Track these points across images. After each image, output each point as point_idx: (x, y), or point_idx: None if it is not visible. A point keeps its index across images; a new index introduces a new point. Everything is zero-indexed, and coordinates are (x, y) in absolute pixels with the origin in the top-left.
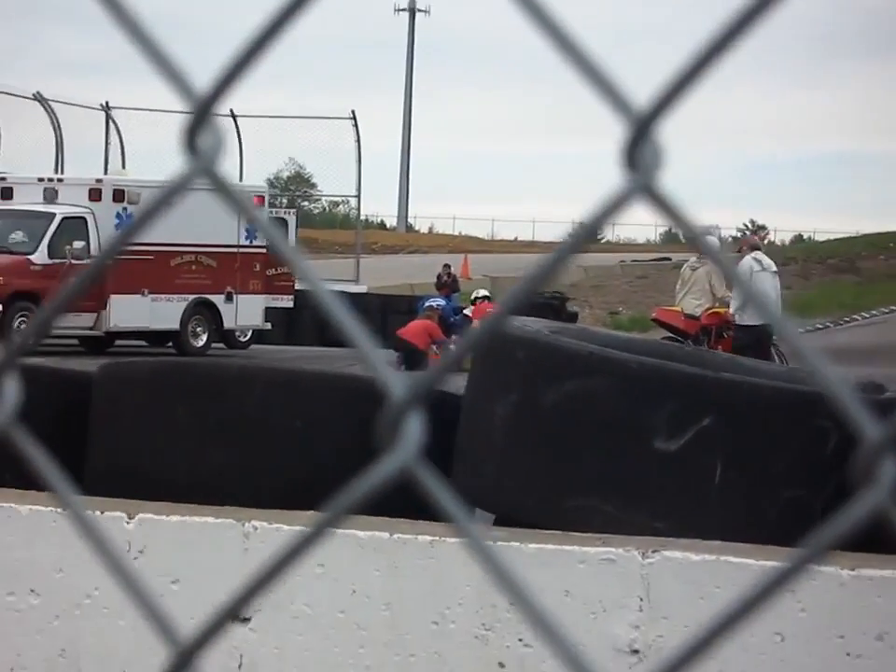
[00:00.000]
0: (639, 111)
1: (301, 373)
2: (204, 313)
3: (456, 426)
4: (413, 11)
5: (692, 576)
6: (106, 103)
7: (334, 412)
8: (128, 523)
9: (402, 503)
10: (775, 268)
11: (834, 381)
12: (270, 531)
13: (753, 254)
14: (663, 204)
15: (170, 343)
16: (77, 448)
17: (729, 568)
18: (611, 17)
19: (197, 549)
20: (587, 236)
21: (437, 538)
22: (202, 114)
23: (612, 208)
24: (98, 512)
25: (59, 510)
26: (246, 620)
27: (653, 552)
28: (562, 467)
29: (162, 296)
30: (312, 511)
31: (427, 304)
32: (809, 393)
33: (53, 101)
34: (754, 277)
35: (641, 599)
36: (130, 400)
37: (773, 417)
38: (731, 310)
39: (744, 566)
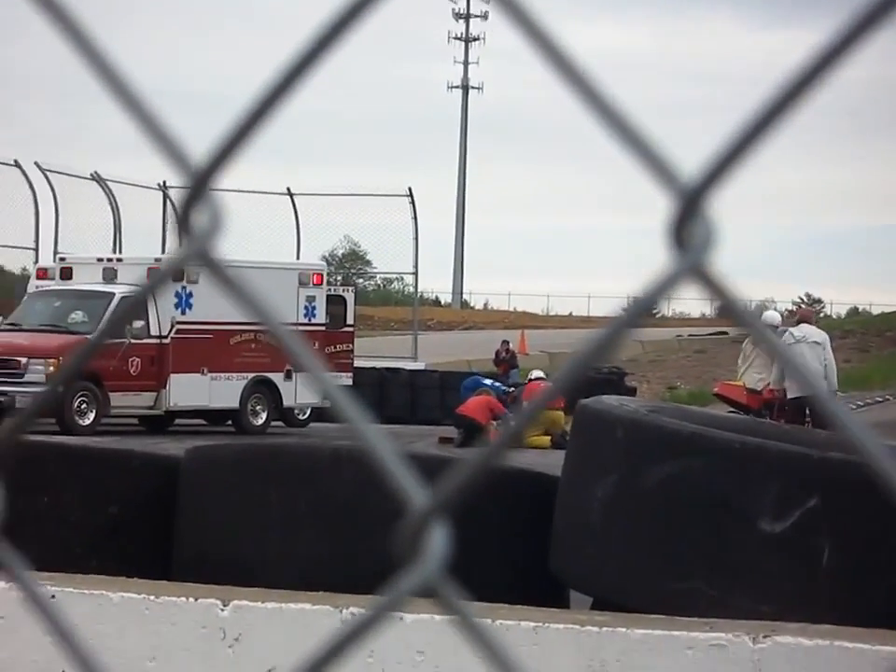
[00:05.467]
0: (688, 184)
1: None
2: (264, 391)
3: (553, 507)
4: (465, 88)
5: (805, 661)
6: (164, 182)
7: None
8: (222, 610)
9: None
10: (816, 338)
11: (876, 450)
12: None
13: (795, 328)
14: (712, 286)
15: (229, 422)
16: (166, 533)
17: (842, 654)
18: (658, 94)
19: (293, 636)
20: (638, 313)
21: (541, 623)
22: (197, 189)
23: (661, 289)
24: (191, 599)
25: (151, 596)
26: None
27: (764, 637)
28: (663, 549)
29: (222, 374)
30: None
31: (480, 383)
32: None
33: (111, 181)
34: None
35: None
36: (219, 485)
37: (881, 497)
38: (771, 383)
39: (858, 651)
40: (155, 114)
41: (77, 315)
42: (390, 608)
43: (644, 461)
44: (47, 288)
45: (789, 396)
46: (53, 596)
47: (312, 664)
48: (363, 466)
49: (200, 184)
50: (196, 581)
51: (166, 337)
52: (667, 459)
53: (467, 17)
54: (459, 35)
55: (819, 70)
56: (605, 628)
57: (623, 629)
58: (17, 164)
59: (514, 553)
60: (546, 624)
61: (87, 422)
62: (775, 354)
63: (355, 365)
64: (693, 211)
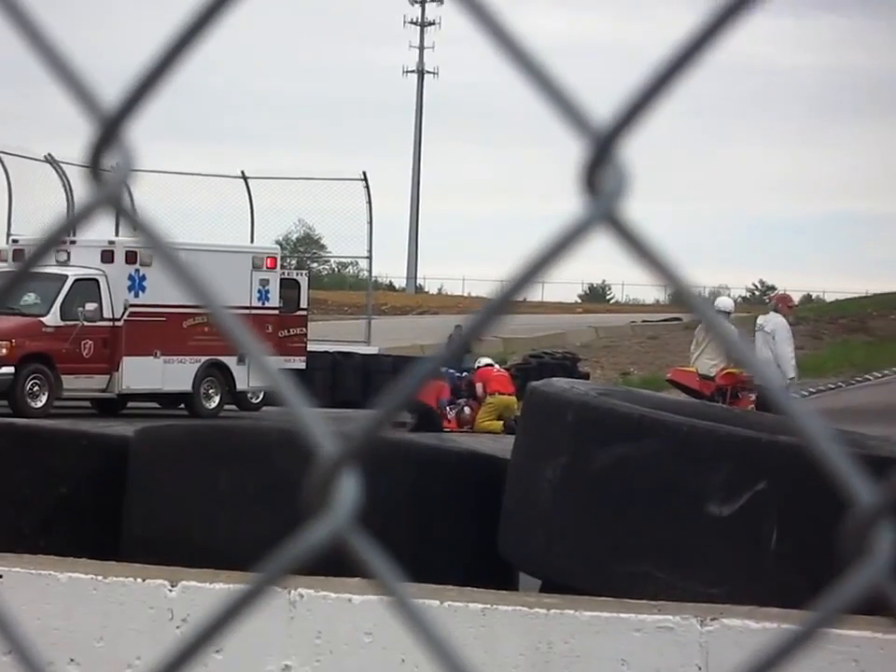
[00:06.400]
0: (600, 128)
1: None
2: (217, 375)
3: (503, 489)
4: (421, 73)
5: (752, 644)
6: (117, 164)
7: (380, 474)
8: (170, 590)
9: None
10: (768, 327)
11: (821, 435)
12: (316, 599)
13: (762, 316)
14: (627, 235)
15: (182, 405)
16: (115, 513)
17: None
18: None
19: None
20: (543, 268)
21: (489, 605)
22: (108, 133)
23: (571, 237)
24: (139, 580)
25: (99, 577)
26: None
27: (712, 619)
28: (613, 532)
29: (175, 357)
30: (357, 578)
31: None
32: (866, 456)
33: (64, 163)
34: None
35: (700, 668)
36: (168, 465)
37: (829, 481)
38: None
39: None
40: (65, 56)
41: (30, 297)
42: (299, 560)
43: (594, 444)
44: (0, 270)
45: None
46: (0, 576)
47: (219, 617)
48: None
49: (110, 128)
50: (145, 561)
51: (119, 320)
52: (617, 442)
53: (423, 1)
54: (415, 20)
55: (727, 15)
56: (553, 610)
57: (571, 611)
58: None
59: (463, 535)
60: (494, 606)
61: (39, 404)
62: (707, 322)
63: (308, 349)
64: (605, 156)
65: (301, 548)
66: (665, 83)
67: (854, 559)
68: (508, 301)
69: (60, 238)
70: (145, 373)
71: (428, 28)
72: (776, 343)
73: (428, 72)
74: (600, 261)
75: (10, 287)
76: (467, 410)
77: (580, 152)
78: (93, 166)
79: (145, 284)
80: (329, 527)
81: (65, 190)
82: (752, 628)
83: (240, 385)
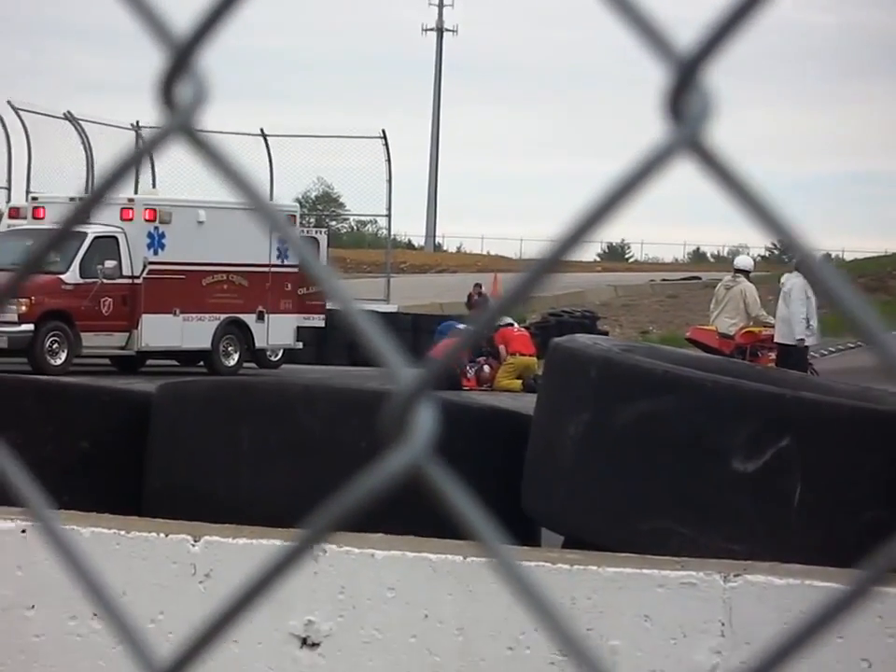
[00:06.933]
0: (684, 54)
1: (366, 392)
2: (236, 332)
3: (526, 445)
4: (440, 31)
5: (776, 600)
6: (137, 122)
7: None
8: (193, 545)
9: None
10: (786, 287)
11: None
12: (339, 554)
13: (785, 276)
14: (712, 161)
15: (201, 363)
16: (136, 468)
17: (814, 593)
18: None
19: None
20: (626, 195)
21: None
22: (180, 62)
23: (654, 163)
24: (161, 535)
25: (122, 532)
26: (315, 645)
27: (735, 575)
28: (635, 488)
29: (194, 315)
30: (380, 535)
31: (454, 328)
32: (889, 412)
33: (84, 120)
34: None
35: (723, 624)
36: (191, 420)
37: (853, 437)
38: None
39: (830, 590)
40: None
41: (50, 255)
42: (383, 487)
43: (617, 400)
44: (19, 228)
45: (783, 342)
46: (24, 531)
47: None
48: (335, 402)
49: (183, 55)
50: (167, 516)
51: (138, 277)
52: (640, 398)
53: None
54: None
55: None
56: (576, 566)
57: (594, 567)
58: None
59: (486, 491)
60: (517, 562)
61: (59, 362)
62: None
63: (327, 307)
64: (690, 82)
65: (380, 477)
66: (750, 7)
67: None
68: (586, 234)
69: (127, 171)
70: (164, 331)
71: None
72: (791, 301)
73: (448, 30)
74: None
75: (79, 216)
76: (486, 368)
77: (663, 78)
78: (165, 95)
79: (164, 241)
80: (408, 456)
81: (84, 148)
82: (776, 584)
83: (259, 343)
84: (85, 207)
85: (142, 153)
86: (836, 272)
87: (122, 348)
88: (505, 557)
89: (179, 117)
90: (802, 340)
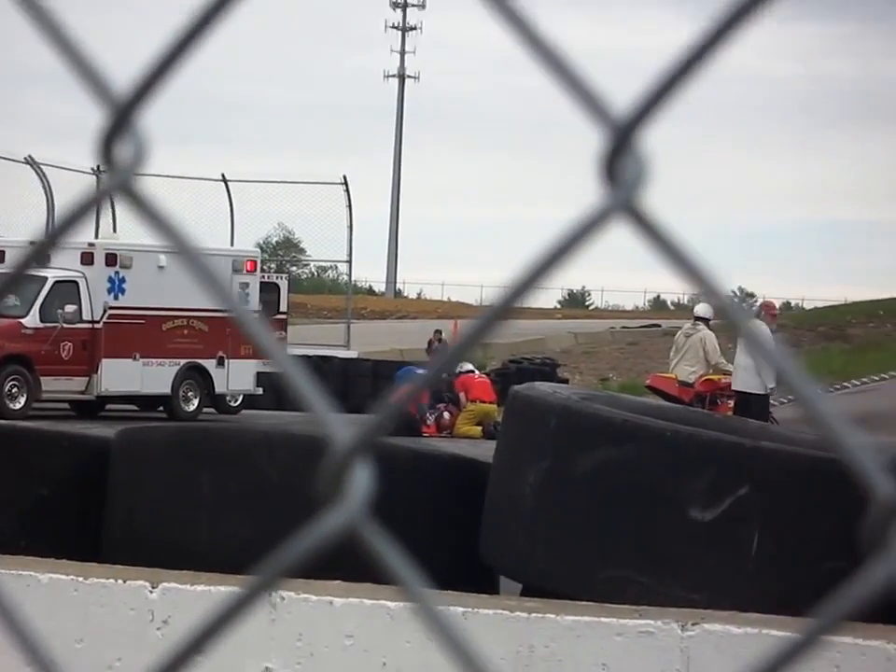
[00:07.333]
0: (620, 118)
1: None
2: (196, 377)
3: (485, 492)
4: (402, 78)
5: (733, 649)
6: (97, 167)
7: None
8: (151, 592)
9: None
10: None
11: (849, 438)
12: (297, 601)
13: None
14: (646, 225)
15: (161, 408)
16: (96, 514)
17: (772, 642)
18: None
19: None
20: (561, 258)
21: (470, 609)
22: (120, 120)
23: (590, 227)
24: (119, 581)
25: (80, 578)
26: None
27: (693, 624)
28: (594, 536)
29: (154, 360)
30: (338, 582)
31: (414, 374)
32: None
33: (45, 164)
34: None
35: None
36: (150, 466)
37: (812, 487)
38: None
39: (787, 639)
40: (77, 43)
41: (10, 299)
42: (312, 551)
43: (576, 448)
44: None
45: (741, 389)
46: None
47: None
48: (295, 449)
49: (123, 115)
50: (126, 563)
51: (98, 322)
52: (599, 447)
53: (404, 6)
54: (396, 25)
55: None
56: (534, 614)
57: (553, 615)
58: None
59: (445, 538)
60: (475, 610)
61: (18, 406)
62: (731, 315)
63: (287, 353)
64: (625, 145)
65: (314, 538)
66: (687, 72)
67: (872, 553)
68: (522, 295)
69: (78, 219)
70: (124, 376)
71: (410, 32)
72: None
73: (409, 76)
74: (580, 267)
75: (9, 285)
76: (446, 415)
77: (599, 141)
78: (105, 154)
79: (124, 286)
80: (343, 517)
81: (45, 192)
82: (733, 633)
83: (219, 388)
84: (37, 253)
85: (85, 209)
86: (761, 327)
87: (82, 393)
88: (432, 609)
89: (118, 176)
90: (773, 389)
